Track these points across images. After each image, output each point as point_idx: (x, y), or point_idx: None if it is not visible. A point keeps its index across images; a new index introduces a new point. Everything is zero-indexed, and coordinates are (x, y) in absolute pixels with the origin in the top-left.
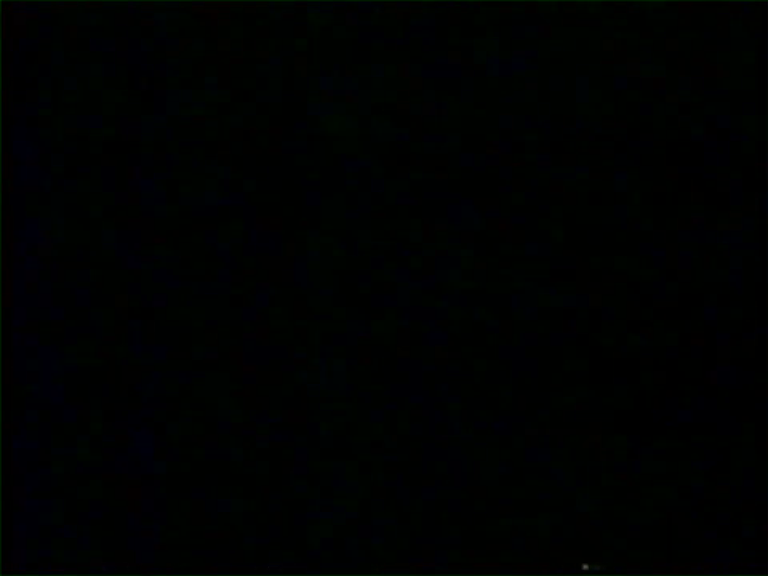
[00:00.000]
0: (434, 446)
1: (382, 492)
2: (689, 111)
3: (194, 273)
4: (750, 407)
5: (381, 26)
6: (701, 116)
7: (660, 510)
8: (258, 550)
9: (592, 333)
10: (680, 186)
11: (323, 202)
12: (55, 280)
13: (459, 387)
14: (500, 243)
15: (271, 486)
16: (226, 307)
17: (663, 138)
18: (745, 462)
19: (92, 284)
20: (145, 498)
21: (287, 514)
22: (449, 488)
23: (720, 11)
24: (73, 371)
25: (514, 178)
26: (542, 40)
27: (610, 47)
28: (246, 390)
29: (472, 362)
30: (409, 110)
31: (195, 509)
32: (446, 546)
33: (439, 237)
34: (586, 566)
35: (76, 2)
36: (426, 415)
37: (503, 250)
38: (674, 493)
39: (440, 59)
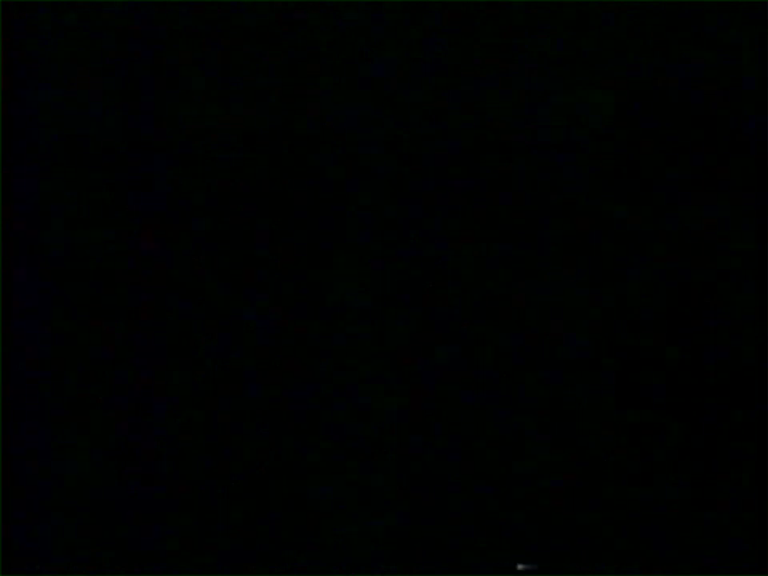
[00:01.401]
0: (436, 449)
1: (383, 491)
2: (688, 112)
3: (196, 268)
4: (751, 406)
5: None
6: (700, 116)
7: (659, 510)
8: (258, 549)
9: (590, 329)
10: (681, 185)
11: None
12: (54, 280)
13: (464, 388)
14: (504, 239)
15: (271, 488)
16: (227, 307)
17: (662, 140)
18: (745, 462)
19: (91, 285)
20: (144, 498)
21: (288, 515)
22: (449, 488)
23: (720, 11)
24: (72, 372)
25: (518, 175)
26: (542, 37)
27: (610, 45)
28: (245, 392)
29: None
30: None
31: (195, 509)
32: (448, 546)
33: (451, 227)
34: (520, 566)
35: (76, 1)
36: (430, 418)
37: (507, 245)
38: (673, 492)
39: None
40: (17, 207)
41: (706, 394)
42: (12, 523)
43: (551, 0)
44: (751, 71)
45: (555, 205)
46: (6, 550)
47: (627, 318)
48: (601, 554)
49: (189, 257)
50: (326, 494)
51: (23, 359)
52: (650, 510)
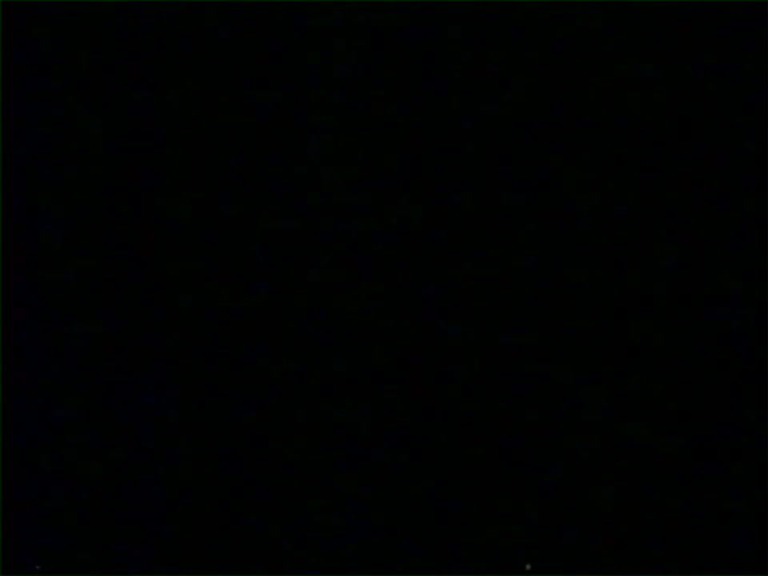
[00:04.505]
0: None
1: (382, 493)
2: (687, 113)
3: (195, 259)
4: (751, 401)
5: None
6: (699, 117)
7: (660, 509)
8: (257, 548)
9: (590, 324)
10: (680, 185)
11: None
12: (52, 278)
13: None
14: (500, 221)
15: (271, 490)
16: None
17: (661, 141)
18: (745, 461)
19: (88, 284)
20: (143, 498)
21: (286, 517)
22: (449, 488)
23: (720, 11)
24: (70, 375)
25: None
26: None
27: (610, 44)
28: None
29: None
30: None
31: (194, 509)
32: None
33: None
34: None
35: (75, 1)
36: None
37: (501, 229)
38: (673, 492)
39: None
40: (11, 208)
41: (706, 395)
42: (11, 523)
43: (549, 0)
44: (751, 72)
45: (552, 202)
46: (6, 549)
47: (626, 318)
48: (600, 555)
49: (185, 255)
50: (325, 492)
51: (22, 360)
52: (649, 509)
